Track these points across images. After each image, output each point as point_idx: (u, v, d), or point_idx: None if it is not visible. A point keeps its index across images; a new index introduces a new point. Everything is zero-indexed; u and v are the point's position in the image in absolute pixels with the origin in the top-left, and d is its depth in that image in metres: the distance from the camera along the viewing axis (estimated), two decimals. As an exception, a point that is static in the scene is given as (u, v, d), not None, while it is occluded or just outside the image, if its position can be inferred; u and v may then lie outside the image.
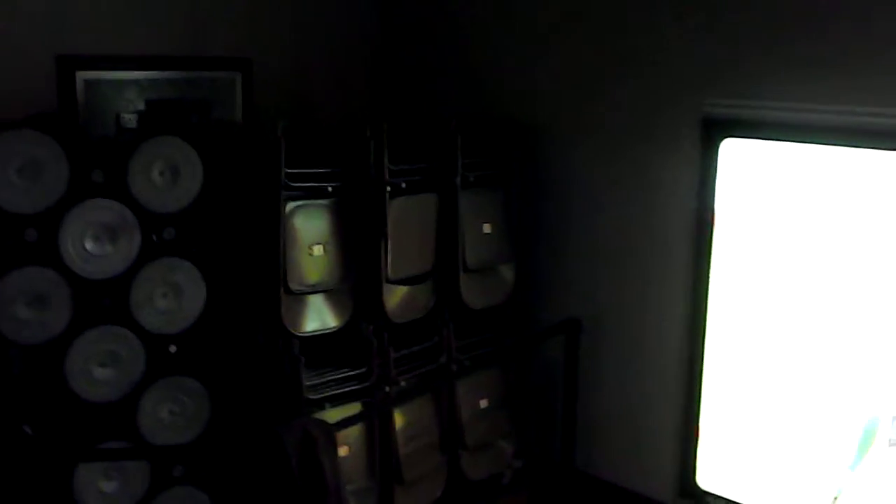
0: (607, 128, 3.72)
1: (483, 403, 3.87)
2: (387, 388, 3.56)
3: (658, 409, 3.71)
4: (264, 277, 3.32)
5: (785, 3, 3.19)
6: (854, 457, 3.24)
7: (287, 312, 3.34)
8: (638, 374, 3.75)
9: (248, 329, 3.36)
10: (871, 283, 3.12)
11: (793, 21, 3.17)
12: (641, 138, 3.61)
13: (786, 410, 3.37)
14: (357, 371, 3.50)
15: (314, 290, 3.42)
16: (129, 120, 3.73)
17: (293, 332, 3.36)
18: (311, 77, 4.35)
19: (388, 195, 3.47)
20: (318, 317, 3.45)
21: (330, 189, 3.39)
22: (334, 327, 3.48)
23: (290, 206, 3.31)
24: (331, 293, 3.47)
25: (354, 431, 3.48)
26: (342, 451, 3.35)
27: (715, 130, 3.39)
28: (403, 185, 3.52)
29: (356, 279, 3.51)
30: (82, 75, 3.69)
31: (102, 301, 3.13)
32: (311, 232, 3.38)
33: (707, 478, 3.60)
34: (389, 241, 3.50)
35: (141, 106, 3.79)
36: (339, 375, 3.47)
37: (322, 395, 3.40)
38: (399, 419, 3.64)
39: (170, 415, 3.28)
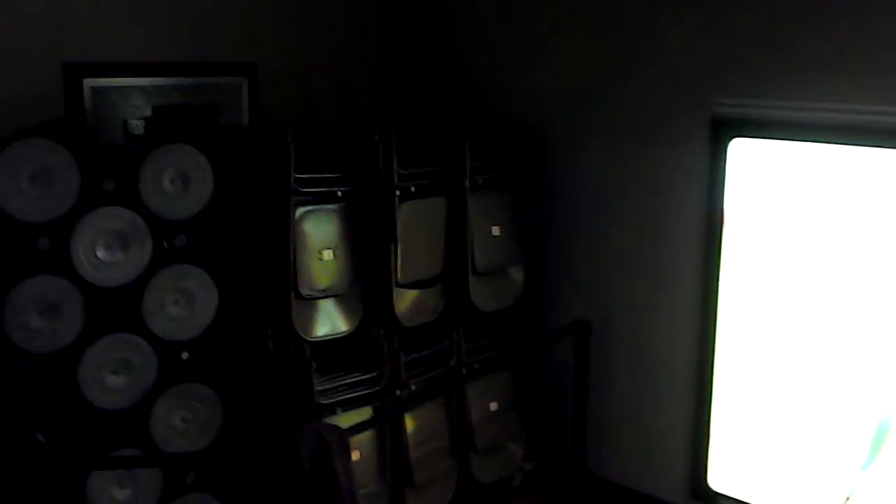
0: (616, 129, 3.72)
1: (493, 406, 3.87)
2: (397, 392, 3.55)
3: (669, 411, 3.71)
4: (275, 283, 3.32)
5: (792, 3, 3.19)
6: (866, 457, 3.24)
7: (298, 317, 3.34)
8: (648, 376, 3.76)
9: (259, 335, 3.35)
10: (882, 282, 3.12)
11: (800, 20, 3.17)
12: (650, 139, 3.61)
13: (797, 411, 3.37)
14: (368, 375, 3.50)
15: (324, 295, 3.42)
16: (137, 126, 3.72)
17: (304, 336, 3.36)
18: (317, 80, 4.35)
19: (397, 199, 3.47)
20: (329, 321, 3.45)
21: (339, 194, 3.39)
22: (345, 332, 3.48)
23: (299, 211, 3.31)
24: (341, 298, 3.47)
25: (365, 435, 3.48)
26: (353, 455, 3.34)
27: (724, 130, 3.39)
28: (413, 188, 3.53)
29: (366, 283, 3.51)
30: (89, 82, 3.69)
31: (114, 309, 3.12)
32: (320, 237, 3.38)
33: (718, 479, 3.60)
34: (399, 245, 3.50)
35: (148, 112, 3.79)
36: (350, 380, 3.47)
37: (333, 400, 3.40)
38: (410, 423, 3.64)
39: (182, 422, 3.27)
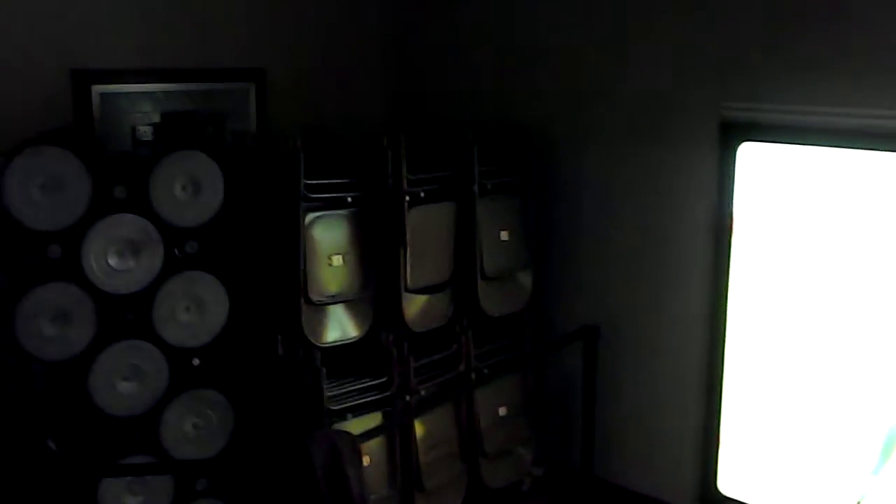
0: (624, 133, 3.72)
1: (502, 411, 3.88)
2: (407, 398, 3.55)
3: (678, 415, 3.71)
4: (284, 288, 3.32)
5: (801, 6, 3.19)
6: (877, 461, 3.24)
7: (307, 323, 3.34)
8: (657, 380, 3.76)
9: (270, 341, 3.36)
10: (892, 286, 3.12)
11: (808, 24, 3.18)
12: (659, 143, 3.61)
13: (808, 415, 3.37)
14: (377, 381, 3.50)
15: (334, 301, 3.42)
16: (145, 132, 3.73)
17: (314, 342, 3.36)
18: (323, 86, 4.36)
19: (406, 204, 3.47)
20: (339, 327, 3.46)
21: (349, 199, 3.39)
22: (355, 337, 3.48)
23: (309, 216, 3.31)
24: (351, 303, 3.48)
25: (375, 441, 3.48)
26: (363, 460, 3.34)
27: (732, 134, 3.40)
28: (422, 194, 3.53)
29: (375, 289, 3.51)
30: (98, 89, 3.69)
31: (126, 316, 3.12)
32: (330, 242, 3.39)
33: (728, 483, 3.61)
34: (408, 250, 3.50)
35: (156, 118, 3.80)
36: (360, 385, 3.47)
37: (343, 406, 3.40)
38: (419, 428, 3.65)
39: (193, 428, 3.28)
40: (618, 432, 3.88)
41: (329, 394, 3.36)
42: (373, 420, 3.46)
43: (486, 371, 3.77)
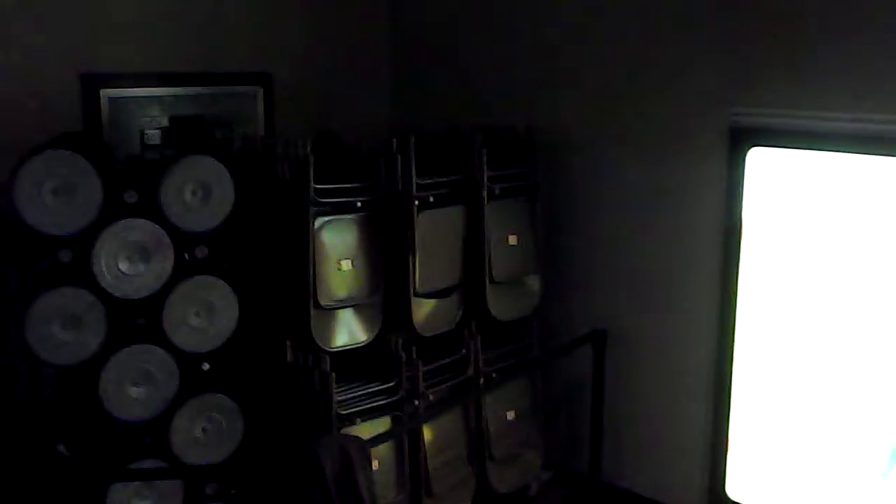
0: (633, 138, 3.73)
1: (510, 415, 3.88)
2: (416, 402, 3.55)
3: (686, 420, 3.71)
4: (294, 293, 3.32)
5: (810, 13, 3.20)
6: (886, 465, 3.24)
7: (317, 327, 3.34)
8: (665, 385, 3.76)
9: (279, 345, 3.35)
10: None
11: (818, 31, 3.19)
12: (668, 148, 3.62)
13: (817, 419, 3.38)
14: (386, 385, 3.49)
15: (343, 305, 3.42)
16: (153, 136, 3.74)
17: (323, 347, 3.36)
18: (330, 90, 4.37)
19: (415, 209, 3.47)
20: (348, 331, 3.46)
21: (359, 204, 3.39)
22: (363, 341, 3.49)
23: (318, 221, 3.31)
24: (359, 307, 3.48)
25: (384, 445, 3.48)
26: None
27: (742, 140, 3.41)
28: (431, 198, 3.53)
29: (384, 293, 3.51)
30: (106, 93, 3.70)
31: (136, 320, 3.12)
32: (339, 247, 3.38)
33: (737, 488, 3.61)
34: (417, 255, 3.50)
35: (164, 122, 3.81)
36: (369, 390, 3.46)
37: (352, 410, 3.40)
38: (427, 432, 3.65)
39: (203, 433, 3.28)
40: (626, 437, 3.88)
41: (338, 398, 3.36)
42: (381, 424, 3.46)
43: (494, 375, 3.77)
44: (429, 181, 3.52)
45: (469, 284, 3.72)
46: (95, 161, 3.00)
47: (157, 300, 3.13)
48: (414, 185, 3.47)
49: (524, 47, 4.07)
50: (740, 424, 3.58)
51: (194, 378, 3.25)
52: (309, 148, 3.28)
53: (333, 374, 3.32)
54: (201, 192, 3.17)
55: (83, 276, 3.01)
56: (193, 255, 3.19)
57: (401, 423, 3.51)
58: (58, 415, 3.13)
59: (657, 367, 3.77)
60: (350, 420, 3.38)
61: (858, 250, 3.22)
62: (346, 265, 3.40)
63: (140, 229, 3.08)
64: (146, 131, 3.78)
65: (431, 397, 3.60)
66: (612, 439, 3.86)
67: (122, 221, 3.05)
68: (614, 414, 3.84)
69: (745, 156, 3.41)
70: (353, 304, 3.44)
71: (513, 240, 3.77)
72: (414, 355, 3.55)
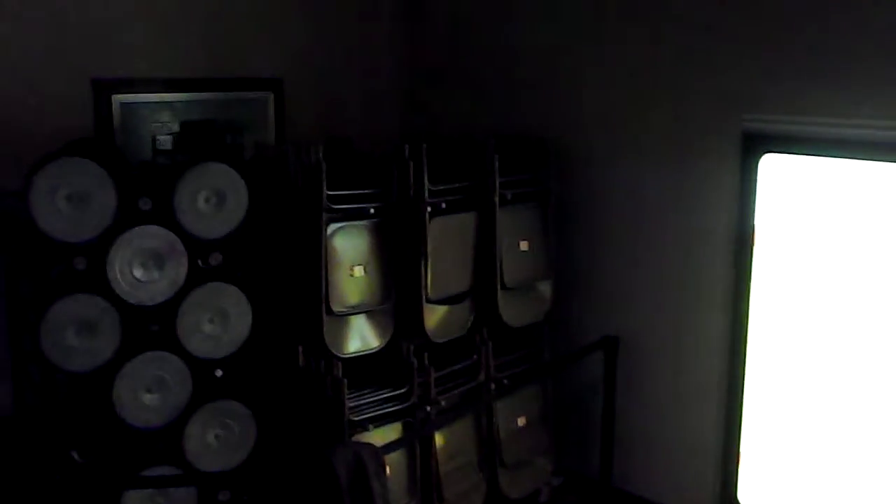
0: (645, 144, 3.73)
1: (521, 421, 3.88)
2: (428, 409, 3.55)
3: (697, 426, 3.71)
4: (307, 299, 3.32)
5: (822, 20, 3.20)
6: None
7: (329, 334, 3.34)
8: (677, 391, 3.75)
9: (291, 352, 3.36)
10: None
11: (830, 37, 3.18)
12: (680, 154, 3.62)
13: (830, 425, 3.37)
14: (398, 391, 3.49)
15: (355, 311, 3.42)
16: (165, 142, 3.74)
17: (335, 353, 3.36)
18: (341, 96, 4.37)
19: (428, 215, 3.47)
20: (360, 337, 3.46)
21: (372, 210, 3.39)
22: (376, 347, 3.49)
23: (331, 227, 3.31)
24: (371, 314, 3.48)
25: (395, 451, 3.48)
26: (385, 471, 3.35)
27: (755, 146, 3.41)
28: (443, 205, 3.53)
29: (396, 299, 3.51)
30: (118, 98, 3.70)
31: (150, 327, 3.12)
32: (351, 253, 3.39)
33: (748, 495, 3.60)
34: (429, 261, 3.50)
35: (176, 128, 3.81)
36: (381, 396, 3.46)
37: (364, 416, 3.40)
38: (439, 438, 3.65)
39: (216, 439, 3.28)
40: (637, 443, 3.88)
41: (350, 404, 3.36)
42: (393, 430, 3.46)
43: (505, 381, 3.77)
44: (441, 187, 3.52)
45: (481, 290, 3.72)
46: (110, 168, 3.00)
47: (170, 307, 3.14)
48: (426, 192, 3.47)
49: (536, 53, 4.06)
50: (752, 431, 3.58)
51: (207, 385, 3.25)
52: (321, 154, 3.28)
53: (345, 381, 3.32)
54: (215, 199, 3.17)
55: (98, 283, 3.02)
56: (207, 261, 3.19)
57: (413, 430, 3.51)
58: (71, 421, 3.12)
59: (669, 374, 3.77)
60: (362, 426, 3.39)
61: (871, 256, 3.21)
62: (359, 271, 3.40)
63: (154, 236, 3.08)
64: (158, 137, 3.78)
65: (443, 403, 3.60)
66: (622, 445, 3.85)
67: (137, 228, 3.05)
68: (625, 420, 3.83)
69: (757, 162, 3.40)
70: (365, 310, 3.45)
71: (524, 246, 3.78)
72: (426, 361, 3.55)
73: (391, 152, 3.51)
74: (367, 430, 3.39)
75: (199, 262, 3.18)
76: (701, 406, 3.68)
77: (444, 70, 4.46)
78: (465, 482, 3.75)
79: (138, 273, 3.06)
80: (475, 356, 3.71)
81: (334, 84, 4.33)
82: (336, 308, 3.34)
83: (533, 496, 3.97)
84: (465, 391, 3.68)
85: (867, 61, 3.10)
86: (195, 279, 3.16)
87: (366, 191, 3.40)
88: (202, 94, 3.94)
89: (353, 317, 3.43)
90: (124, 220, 3.03)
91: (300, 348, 3.36)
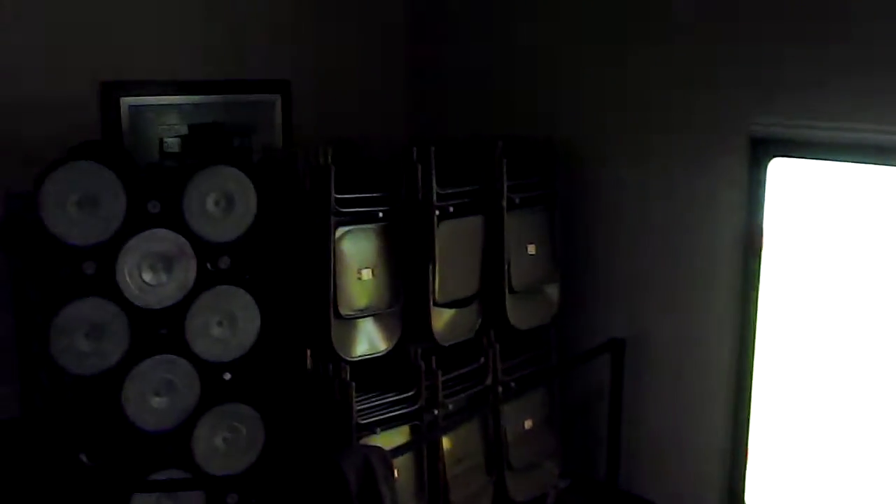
0: (653, 147, 3.73)
1: (528, 424, 3.88)
2: (435, 412, 3.55)
3: (705, 429, 3.70)
4: (314, 303, 3.32)
5: (831, 24, 3.19)
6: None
7: (337, 337, 3.34)
8: (684, 394, 3.75)
9: (299, 355, 3.36)
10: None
11: (839, 41, 3.17)
12: (688, 158, 3.61)
13: (837, 430, 3.37)
14: (406, 394, 3.50)
15: (363, 315, 3.42)
16: (173, 144, 3.73)
17: (343, 356, 3.36)
18: (348, 98, 4.37)
19: (436, 219, 3.47)
20: (368, 341, 3.46)
21: (381, 214, 3.39)
22: (383, 351, 3.49)
23: (339, 231, 3.31)
24: (379, 317, 3.48)
25: (403, 455, 3.48)
26: (392, 474, 3.35)
27: (763, 150, 3.40)
28: (451, 208, 3.53)
29: (404, 302, 3.51)
30: (126, 101, 3.70)
31: (159, 330, 3.12)
32: (359, 256, 3.38)
33: (756, 497, 3.60)
34: (437, 265, 3.50)
35: (183, 130, 3.81)
36: (388, 399, 3.46)
37: (372, 420, 3.40)
38: (446, 441, 3.64)
39: (224, 443, 3.28)
40: (643, 446, 3.88)
41: (358, 407, 3.36)
42: (401, 433, 3.46)
43: (513, 384, 3.77)
44: (449, 191, 3.52)
45: (488, 294, 3.72)
46: (119, 171, 3.00)
47: (179, 310, 3.13)
48: (434, 195, 3.47)
49: (544, 56, 4.06)
50: (760, 433, 3.58)
51: (216, 388, 3.25)
52: (329, 157, 3.28)
53: (353, 384, 3.32)
54: (224, 202, 3.17)
55: (107, 287, 3.01)
56: (216, 265, 3.19)
57: (420, 433, 3.51)
58: (80, 425, 3.12)
59: (676, 377, 3.77)
60: (370, 429, 3.38)
61: (880, 260, 3.21)
62: (367, 275, 3.40)
63: (163, 239, 3.08)
64: (165, 139, 3.77)
65: (450, 406, 3.60)
66: (629, 448, 3.86)
67: (146, 232, 3.05)
68: (632, 422, 3.84)
69: (766, 166, 3.40)
70: (372, 313, 3.44)
71: (532, 249, 3.78)
72: (433, 364, 3.55)
73: (399, 155, 3.51)
74: (374, 433, 3.39)
75: (208, 265, 3.17)
76: (708, 408, 3.68)
77: (452, 72, 4.45)
78: (472, 485, 3.75)
79: (147, 276, 3.06)
80: (482, 359, 3.71)
81: (342, 86, 4.33)
82: (344, 311, 3.34)
83: (540, 499, 3.96)
84: (472, 394, 3.68)
85: (876, 64, 3.09)
86: (204, 282, 3.16)
87: (374, 194, 3.40)
88: (210, 96, 3.95)
89: (360, 320, 3.43)
90: (133, 223, 3.03)
91: (308, 351, 3.36)
